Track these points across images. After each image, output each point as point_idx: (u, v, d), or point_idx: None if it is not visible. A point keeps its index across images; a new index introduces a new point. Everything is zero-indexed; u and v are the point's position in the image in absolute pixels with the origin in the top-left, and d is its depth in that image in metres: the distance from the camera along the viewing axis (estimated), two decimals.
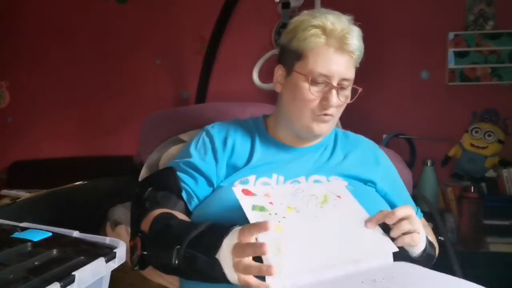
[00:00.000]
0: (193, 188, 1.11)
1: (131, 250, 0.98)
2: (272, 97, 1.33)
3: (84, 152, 2.90)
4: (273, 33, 2.60)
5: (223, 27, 2.60)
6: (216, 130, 1.21)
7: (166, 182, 1.11)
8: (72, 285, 0.66)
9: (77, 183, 1.71)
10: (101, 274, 0.74)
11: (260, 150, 1.17)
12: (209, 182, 1.13)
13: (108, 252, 0.77)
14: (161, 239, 0.92)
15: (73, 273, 0.67)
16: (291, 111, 1.14)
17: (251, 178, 1.11)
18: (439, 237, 1.95)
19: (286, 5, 2.41)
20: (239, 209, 1.00)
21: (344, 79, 1.09)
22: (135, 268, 0.97)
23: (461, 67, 2.40)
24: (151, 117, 1.93)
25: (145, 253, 0.94)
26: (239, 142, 1.19)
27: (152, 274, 1.26)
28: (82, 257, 0.73)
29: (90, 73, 2.91)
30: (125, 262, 0.82)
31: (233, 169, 1.14)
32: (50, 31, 2.94)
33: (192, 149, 1.18)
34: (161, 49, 2.82)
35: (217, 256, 0.81)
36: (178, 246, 0.86)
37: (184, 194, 1.10)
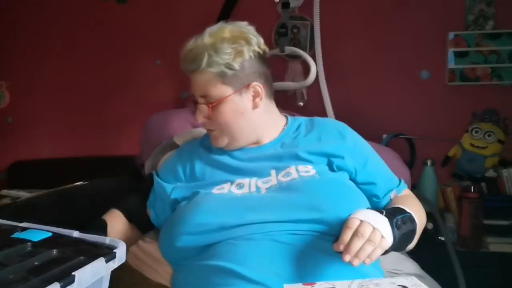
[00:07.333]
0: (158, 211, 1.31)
1: None
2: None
3: (84, 152, 2.89)
4: (273, 33, 2.60)
5: None
6: (176, 154, 1.37)
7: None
8: (72, 285, 0.66)
9: (77, 183, 1.71)
10: (101, 274, 0.74)
11: (227, 155, 1.27)
12: (175, 204, 1.23)
13: (108, 252, 0.77)
14: None
15: (73, 273, 0.67)
16: None
17: (226, 186, 1.18)
18: (439, 237, 1.96)
19: (286, 5, 2.40)
20: (215, 213, 1.08)
21: (200, 96, 1.20)
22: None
23: (461, 67, 2.40)
24: (152, 118, 1.93)
25: None
26: (197, 162, 1.30)
27: (152, 273, 1.26)
28: (82, 257, 0.73)
29: (90, 73, 2.90)
30: (125, 262, 0.82)
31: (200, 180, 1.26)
32: (50, 31, 2.93)
33: (162, 171, 1.36)
34: (161, 49, 2.82)
35: None
36: None
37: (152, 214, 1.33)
